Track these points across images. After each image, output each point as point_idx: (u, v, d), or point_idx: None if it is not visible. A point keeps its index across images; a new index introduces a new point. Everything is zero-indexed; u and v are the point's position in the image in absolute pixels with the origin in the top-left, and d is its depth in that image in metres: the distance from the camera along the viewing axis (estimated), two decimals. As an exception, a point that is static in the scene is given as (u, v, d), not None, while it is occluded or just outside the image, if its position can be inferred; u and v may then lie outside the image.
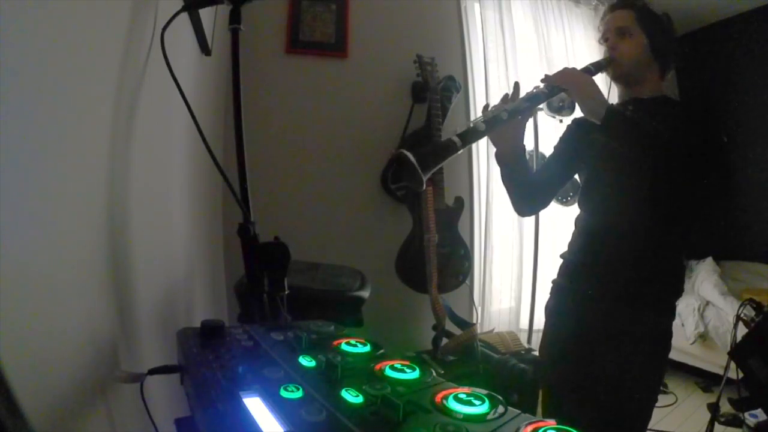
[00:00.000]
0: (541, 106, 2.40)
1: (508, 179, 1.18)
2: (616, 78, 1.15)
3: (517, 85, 1.07)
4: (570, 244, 1.24)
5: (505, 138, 1.12)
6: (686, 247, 1.11)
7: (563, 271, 1.24)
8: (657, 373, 1.12)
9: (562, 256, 1.25)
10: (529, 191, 1.20)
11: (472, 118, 2.50)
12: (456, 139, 0.89)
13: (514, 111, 1.00)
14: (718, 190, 1.06)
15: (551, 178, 1.24)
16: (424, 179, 0.84)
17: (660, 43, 1.11)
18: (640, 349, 1.07)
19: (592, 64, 1.11)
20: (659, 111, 1.07)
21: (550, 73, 1.07)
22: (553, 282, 1.26)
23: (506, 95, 1.06)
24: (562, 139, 1.28)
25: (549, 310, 1.25)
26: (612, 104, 1.02)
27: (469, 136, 0.93)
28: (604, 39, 1.16)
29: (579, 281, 1.17)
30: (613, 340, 1.09)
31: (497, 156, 1.16)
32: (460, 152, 0.90)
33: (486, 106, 1.03)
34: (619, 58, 1.11)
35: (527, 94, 1.03)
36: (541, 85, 1.04)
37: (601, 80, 1.11)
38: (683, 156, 0.98)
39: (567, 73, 1.05)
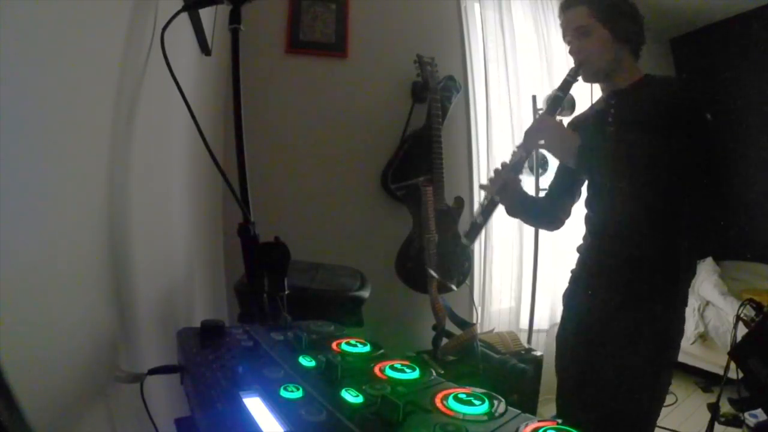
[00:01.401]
0: (540, 106, 2.42)
1: (523, 218, 1.32)
2: (589, 79, 1.15)
3: (497, 171, 1.22)
4: (584, 237, 1.27)
5: (507, 197, 1.22)
6: (683, 232, 1.11)
7: (577, 264, 1.27)
8: (666, 363, 1.12)
9: (578, 249, 1.28)
10: (543, 215, 1.31)
11: (472, 117, 2.49)
12: (465, 241, 1.17)
13: (503, 188, 1.19)
14: (706, 176, 1.06)
15: (562, 195, 1.31)
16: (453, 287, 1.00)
17: (623, 28, 1.09)
18: (646, 340, 1.08)
19: (568, 75, 1.13)
20: (641, 97, 1.07)
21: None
22: (572, 272, 1.29)
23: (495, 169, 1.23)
24: None
25: (565, 300, 1.29)
26: (581, 145, 1.03)
27: (473, 233, 1.20)
28: (566, 41, 1.17)
29: (588, 276, 1.20)
30: (622, 333, 1.10)
31: (506, 210, 1.27)
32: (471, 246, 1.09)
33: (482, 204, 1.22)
34: (586, 60, 1.10)
35: (509, 163, 1.19)
36: (516, 150, 1.18)
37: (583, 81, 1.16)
38: (664, 158, 0.99)
39: (534, 131, 1.14)
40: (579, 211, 1.30)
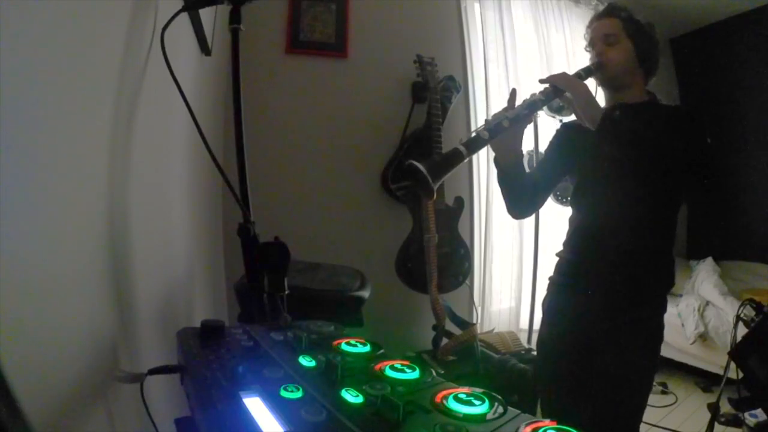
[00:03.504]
0: (541, 106, 2.41)
1: (503, 182, 1.22)
2: (603, 82, 1.19)
3: (514, 92, 1.11)
4: (565, 243, 1.26)
5: (505, 144, 1.15)
6: (673, 241, 1.17)
7: (559, 269, 1.26)
8: (651, 366, 1.14)
9: (558, 254, 1.27)
10: (523, 194, 1.23)
11: (472, 117, 2.50)
12: (461, 148, 0.94)
13: (515, 118, 1.04)
14: (701, 189, 1.12)
15: (543, 182, 1.27)
16: (435, 189, 0.89)
17: (645, 50, 1.15)
18: (634, 344, 1.10)
19: (582, 70, 1.14)
20: (645, 115, 1.11)
21: (549, 72, 1.09)
22: (550, 279, 1.28)
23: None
24: (552, 143, 1.31)
25: (546, 307, 1.27)
26: (606, 110, 1.05)
27: (474, 144, 0.99)
28: (592, 46, 1.19)
29: (574, 280, 1.19)
30: (608, 337, 1.11)
31: (495, 160, 1.20)
32: (466, 160, 0.95)
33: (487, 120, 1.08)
34: (607, 64, 1.14)
35: (526, 101, 1.07)
36: (538, 93, 1.08)
37: (588, 85, 1.13)
38: (669, 158, 1.01)
39: (566, 78, 1.08)
40: (567, 213, 1.29)
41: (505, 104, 1.10)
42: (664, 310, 1.15)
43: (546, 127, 2.32)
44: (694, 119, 1.11)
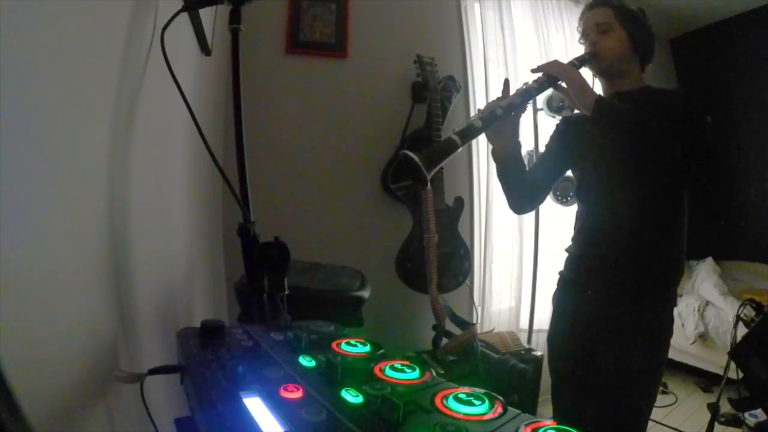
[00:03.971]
0: (540, 105, 2.42)
1: (503, 176, 1.21)
2: (598, 72, 1.18)
3: (506, 82, 1.11)
4: (573, 238, 1.26)
5: (502, 135, 1.15)
6: (680, 231, 1.13)
7: (568, 264, 1.26)
8: (652, 367, 1.14)
9: (567, 249, 1.27)
10: (523, 189, 1.23)
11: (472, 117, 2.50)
12: (455, 137, 0.94)
13: (508, 106, 1.04)
14: (701, 176, 1.10)
15: (544, 176, 1.27)
16: (428, 178, 0.89)
17: (639, 38, 1.14)
18: (634, 344, 1.09)
19: (576, 59, 1.14)
20: (643, 101, 1.11)
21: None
22: (560, 274, 1.28)
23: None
24: (552, 138, 1.31)
25: (556, 301, 1.28)
26: (601, 96, 1.05)
27: (467, 133, 0.98)
28: (584, 36, 1.19)
29: (582, 275, 1.19)
30: (610, 337, 1.11)
31: (493, 153, 1.19)
32: (460, 149, 0.94)
33: (480, 109, 1.07)
34: (601, 52, 1.13)
35: (519, 89, 1.07)
36: (531, 81, 1.07)
37: (585, 75, 1.13)
38: (665, 143, 1.00)
39: (557, 65, 1.08)
40: (567, 213, 1.29)
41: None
42: (672, 304, 1.13)
43: (546, 126, 2.33)
44: (690, 99, 1.10)
